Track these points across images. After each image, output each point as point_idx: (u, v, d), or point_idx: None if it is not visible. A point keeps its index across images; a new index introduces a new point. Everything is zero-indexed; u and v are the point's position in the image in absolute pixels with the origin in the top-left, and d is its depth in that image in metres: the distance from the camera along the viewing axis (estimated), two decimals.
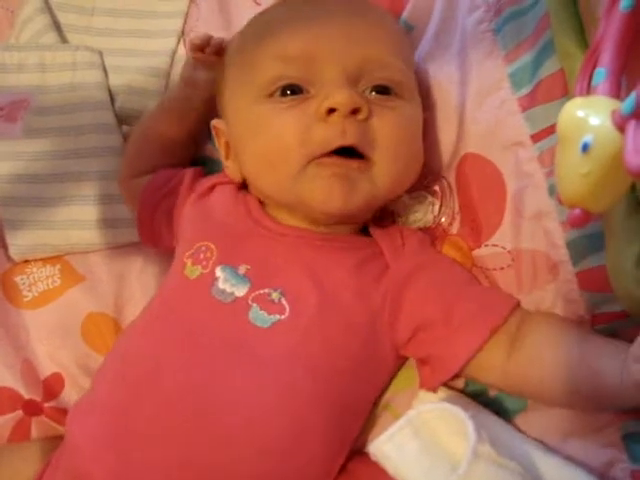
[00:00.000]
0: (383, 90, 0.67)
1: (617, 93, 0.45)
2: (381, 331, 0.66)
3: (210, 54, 0.78)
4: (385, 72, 0.67)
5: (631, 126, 0.38)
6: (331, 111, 0.63)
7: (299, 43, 0.66)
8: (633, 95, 0.38)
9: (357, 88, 0.66)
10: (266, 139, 0.66)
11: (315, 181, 0.64)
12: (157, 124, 0.85)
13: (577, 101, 0.44)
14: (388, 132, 0.65)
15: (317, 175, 0.64)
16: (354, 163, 0.64)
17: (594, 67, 0.47)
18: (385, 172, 0.66)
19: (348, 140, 0.63)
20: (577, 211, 0.44)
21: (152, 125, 0.86)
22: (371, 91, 0.67)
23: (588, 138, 0.41)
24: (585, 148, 0.41)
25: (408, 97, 0.69)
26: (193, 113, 0.84)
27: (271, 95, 0.67)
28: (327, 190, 0.64)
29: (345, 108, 0.62)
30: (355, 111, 0.63)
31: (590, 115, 0.42)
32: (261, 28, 0.71)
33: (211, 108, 0.82)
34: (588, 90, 0.47)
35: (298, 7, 0.70)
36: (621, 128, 0.39)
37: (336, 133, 0.63)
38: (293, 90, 0.66)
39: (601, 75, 0.45)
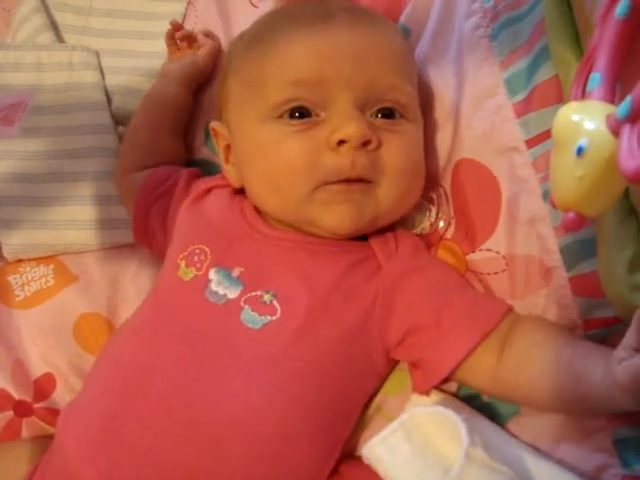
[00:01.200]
0: (389, 113, 0.68)
1: (611, 98, 0.45)
2: (372, 333, 0.66)
3: (183, 47, 0.92)
4: (392, 95, 0.67)
5: (625, 130, 0.39)
6: (341, 142, 0.64)
7: (309, 68, 0.66)
8: (628, 99, 0.39)
9: (365, 114, 0.66)
10: (274, 162, 0.67)
11: (326, 206, 0.66)
12: (141, 119, 0.89)
13: (572, 105, 0.44)
14: (395, 160, 0.67)
15: (328, 201, 0.65)
16: (358, 186, 0.65)
17: (589, 72, 0.47)
18: (389, 194, 0.67)
19: (357, 172, 0.65)
20: (571, 215, 0.44)
21: (137, 121, 0.89)
22: (378, 114, 0.67)
23: (583, 142, 0.41)
24: (580, 152, 0.41)
25: (412, 118, 0.70)
26: (169, 101, 0.88)
27: (280, 117, 0.67)
28: (340, 215, 0.66)
29: (356, 141, 0.64)
30: (365, 143, 0.64)
31: (585, 119, 0.42)
32: (268, 44, 0.70)
33: (187, 95, 0.89)
34: (583, 95, 0.47)
35: (307, 24, 0.69)
36: (615, 132, 0.40)
37: (346, 164, 0.64)
38: (302, 113, 0.66)
39: (596, 80, 0.46)
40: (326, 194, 0.65)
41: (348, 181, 0.65)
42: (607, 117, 0.41)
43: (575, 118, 0.43)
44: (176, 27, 0.93)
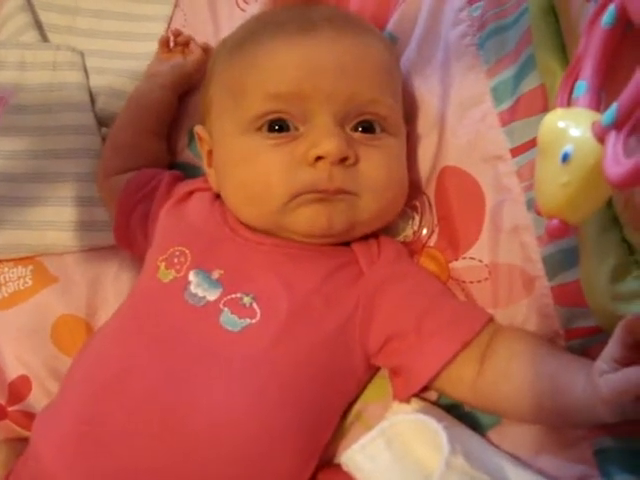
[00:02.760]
0: (369, 127, 0.68)
1: (597, 106, 0.45)
2: (352, 339, 0.65)
3: (175, 51, 0.91)
4: (372, 108, 0.67)
5: (611, 137, 0.39)
6: (319, 158, 0.64)
7: (289, 81, 0.65)
8: (614, 106, 0.39)
9: (345, 129, 0.66)
10: (251, 175, 0.67)
11: (299, 210, 0.65)
12: (125, 120, 0.88)
13: (558, 112, 0.45)
14: (375, 174, 0.66)
15: (301, 204, 0.65)
16: (337, 195, 0.65)
17: (575, 80, 0.47)
18: (369, 207, 0.67)
19: (334, 185, 0.64)
20: (555, 222, 0.44)
21: (120, 122, 0.88)
22: (358, 127, 0.67)
23: (568, 148, 0.41)
24: (565, 158, 0.41)
25: (394, 131, 0.70)
26: (155, 103, 0.88)
27: (258, 129, 0.67)
28: (312, 216, 0.65)
29: (333, 158, 0.63)
30: (343, 159, 0.64)
31: (571, 126, 0.42)
32: (250, 54, 0.69)
33: (173, 98, 0.89)
34: (569, 102, 0.47)
35: (289, 35, 0.68)
36: (601, 139, 0.40)
37: (323, 178, 0.64)
38: (280, 126, 0.66)
39: (582, 88, 0.46)
40: (302, 199, 0.65)
41: (327, 192, 0.65)
42: (593, 124, 0.41)
43: (561, 125, 0.43)
44: (175, 34, 0.93)
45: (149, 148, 0.86)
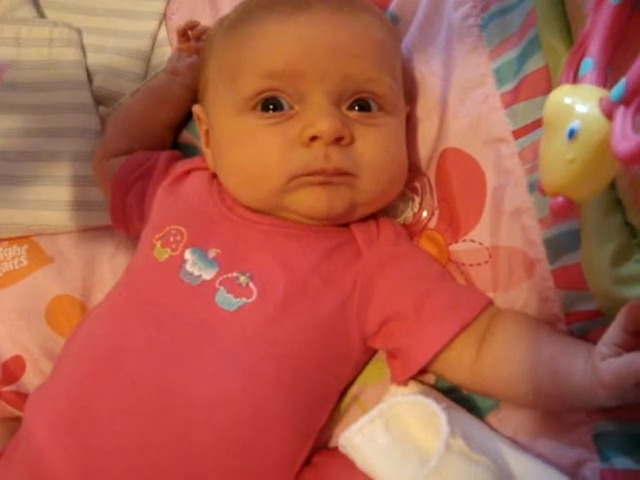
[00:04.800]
0: (366, 105, 0.67)
1: (603, 83, 0.45)
2: (349, 320, 0.65)
3: (193, 41, 0.86)
4: (368, 87, 0.66)
5: (619, 112, 0.38)
6: (314, 138, 0.63)
7: (283, 60, 0.65)
8: (622, 81, 0.38)
9: (340, 108, 0.65)
10: (246, 155, 0.66)
11: (299, 191, 0.65)
12: (137, 108, 0.87)
13: (565, 88, 0.44)
14: (372, 153, 0.66)
15: (301, 186, 0.64)
16: (336, 177, 0.65)
17: (581, 58, 0.47)
18: (369, 187, 0.66)
19: (331, 164, 0.64)
20: (560, 199, 0.44)
21: (133, 108, 0.88)
22: (354, 106, 0.66)
23: (575, 124, 0.41)
24: (572, 134, 0.41)
25: (391, 110, 0.69)
26: (173, 100, 0.86)
27: (253, 108, 0.66)
28: (313, 198, 0.65)
29: (328, 137, 0.63)
30: (338, 139, 0.63)
31: (577, 102, 0.42)
32: (245, 34, 0.69)
33: (191, 96, 0.85)
34: (574, 80, 0.47)
35: (284, 14, 0.67)
36: (609, 115, 0.39)
37: (319, 158, 0.63)
38: (274, 105, 0.65)
39: (588, 65, 0.45)
40: (301, 181, 0.64)
41: (325, 173, 0.64)
42: (601, 100, 0.40)
43: (567, 101, 0.43)
44: (191, 25, 0.91)
45: (158, 136, 0.86)
